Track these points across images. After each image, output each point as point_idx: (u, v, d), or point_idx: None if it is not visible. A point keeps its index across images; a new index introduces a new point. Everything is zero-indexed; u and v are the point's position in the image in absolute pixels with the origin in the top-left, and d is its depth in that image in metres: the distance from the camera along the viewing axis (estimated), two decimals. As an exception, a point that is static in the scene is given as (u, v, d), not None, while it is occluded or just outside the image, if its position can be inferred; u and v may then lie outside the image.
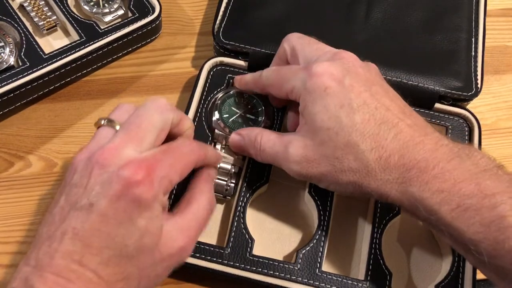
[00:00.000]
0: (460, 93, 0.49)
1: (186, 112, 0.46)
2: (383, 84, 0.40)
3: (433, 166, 0.34)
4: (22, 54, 0.49)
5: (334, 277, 0.41)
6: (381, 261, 0.42)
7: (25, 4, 0.53)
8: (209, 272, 0.41)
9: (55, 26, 0.53)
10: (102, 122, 0.35)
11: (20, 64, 0.48)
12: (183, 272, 0.39)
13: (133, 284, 0.32)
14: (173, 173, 0.33)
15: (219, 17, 0.52)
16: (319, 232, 0.42)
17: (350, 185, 0.37)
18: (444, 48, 0.51)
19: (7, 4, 0.52)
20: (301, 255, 0.41)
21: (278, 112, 0.47)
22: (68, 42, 0.51)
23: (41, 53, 0.49)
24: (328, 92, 0.37)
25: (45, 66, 0.48)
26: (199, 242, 0.41)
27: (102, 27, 0.52)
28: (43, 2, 0.53)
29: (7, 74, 0.47)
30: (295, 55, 0.43)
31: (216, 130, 0.46)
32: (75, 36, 0.51)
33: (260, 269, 0.41)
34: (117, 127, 0.35)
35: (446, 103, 0.49)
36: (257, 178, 0.45)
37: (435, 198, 0.34)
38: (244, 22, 0.52)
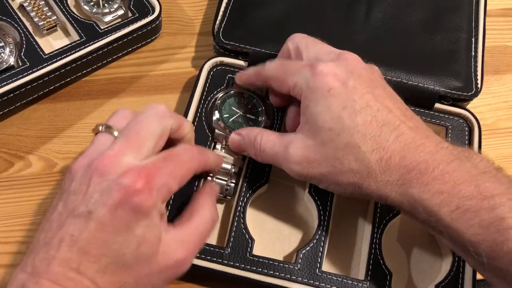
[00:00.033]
0: (460, 93, 0.49)
1: (186, 112, 0.46)
2: (386, 86, 0.40)
3: (433, 168, 0.35)
4: (22, 54, 0.49)
5: (334, 277, 0.41)
6: (381, 261, 0.42)
7: (25, 4, 0.53)
8: (209, 272, 0.41)
9: (55, 26, 0.53)
10: (100, 128, 0.35)
11: (20, 64, 0.48)
12: (183, 272, 0.39)
13: None
14: (172, 181, 0.33)
15: (219, 17, 0.52)
16: (319, 232, 0.42)
17: (350, 186, 0.37)
18: (444, 48, 0.51)
19: (7, 4, 0.52)
20: (301, 255, 0.42)
21: (278, 112, 0.47)
22: (68, 42, 0.51)
23: (41, 53, 0.49)
24: (331, 93, 0.37)
25: (45, 66, 0.48)
26: (199, 242, 0.42)
27: (102, 27, 0.51)
28: (43, 2, 0.53)
29: (7, 74, 0.47)
30: (299, 54, 0.43)
31: (216, 130, 0.46)
32: (75, 36, 0.51)
33: (260, 269, 0.41)
34: (115, 133, 0.35)
35: (446, 103, 0.49)
36: (257, 178, 0.45)
37: (435, 200, 0.34)
38: (244, 22, 0.52)
